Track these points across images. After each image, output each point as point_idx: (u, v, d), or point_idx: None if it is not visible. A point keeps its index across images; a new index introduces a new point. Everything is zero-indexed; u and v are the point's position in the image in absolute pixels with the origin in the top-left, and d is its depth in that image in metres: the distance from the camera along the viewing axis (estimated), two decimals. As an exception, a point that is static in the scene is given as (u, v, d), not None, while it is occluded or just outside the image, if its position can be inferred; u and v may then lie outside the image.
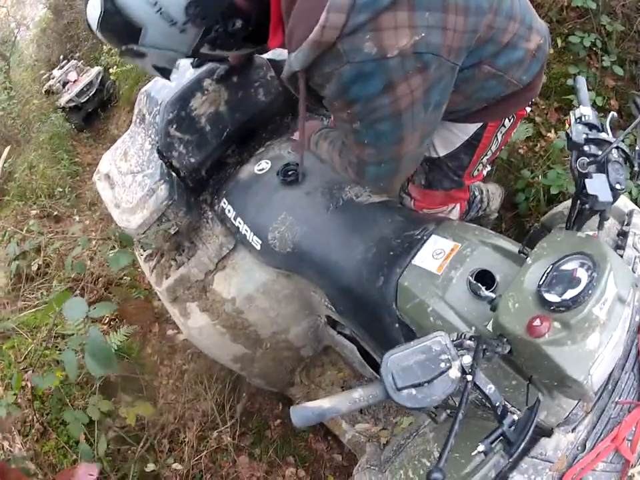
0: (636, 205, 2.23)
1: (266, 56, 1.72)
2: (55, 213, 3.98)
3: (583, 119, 1.16)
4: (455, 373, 0.80)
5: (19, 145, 5.57)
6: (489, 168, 1.61)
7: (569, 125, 1.17)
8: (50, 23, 7.77)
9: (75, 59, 5.88)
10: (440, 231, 1.28)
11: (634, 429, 1.02)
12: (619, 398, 1.04)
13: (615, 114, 1.24)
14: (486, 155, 1.47)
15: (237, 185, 1.73)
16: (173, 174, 1.72)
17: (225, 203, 1.73)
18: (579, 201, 1.09)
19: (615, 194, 1.05)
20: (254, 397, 2.23)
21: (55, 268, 3.08)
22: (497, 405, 0.84)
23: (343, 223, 1.49)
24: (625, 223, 1.32)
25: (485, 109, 1.31)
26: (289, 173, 1.61)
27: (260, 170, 1.70)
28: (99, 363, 1.36)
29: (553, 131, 2.55)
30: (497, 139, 1.44)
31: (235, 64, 1.69)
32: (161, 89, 1.73)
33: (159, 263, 1.92)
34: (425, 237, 1.28)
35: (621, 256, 1.21)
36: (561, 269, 0.94)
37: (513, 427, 0.81)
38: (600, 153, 1.08)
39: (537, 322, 0.88)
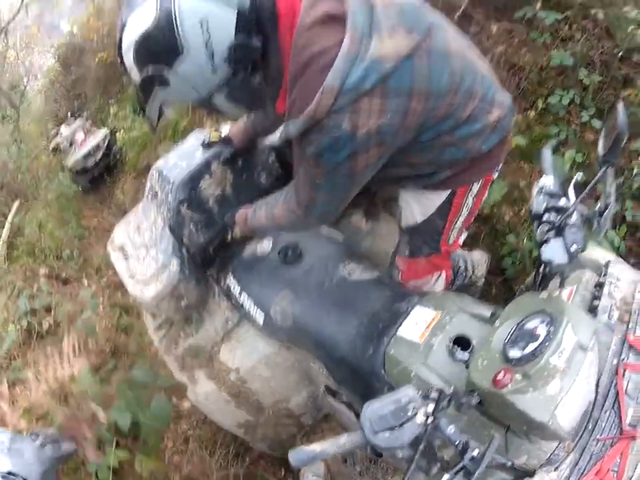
0: (619, 254, 2.37)
1: (268, 142, 1.88)
2: (63, 274, 4.07)
3: (545, 190, 1.29)
4: (420, 418, 0.95)
5: (27, 201, 5.68)
6: (465, 234, 1.73)
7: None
8: (58, 76, 7.84)
9: (82, 118, 5.98)
10: (423, 302, 1.44)
11: (618, 460, 1.07)
12: (600, 435, 1.09)
13: (581, 174, 1.36)
14: (459, 218, 1.59)
15: (241, 263, 1.87)
16: (184, 250, 1.85)
17: (230, 280, 1.87)
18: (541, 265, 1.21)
19: (572, 255, 1.16)
20: (257, 461, 2.29)
21: (65, 329, 3.18)
22: (456, 443, 0.96)
23: (338, 299, 1.63)
24: (602, 274, 1.41)
25: (452, 177, 1.47)
26: (288, 252, 1.76)
27: (262, 250, 1.84)
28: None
29: (537, 194, 2.71)
30: (468, 203, 1.57)
31: (240, 147, 1.83)
32: (173, 168, 1.87)
33: (168, 332, 2.04)
34: (409, 309, 1.43)
35: (597, 306, 1.31)
36: (524, 327, 1.05)
37: (472, 461, 0.93)
38: (556, 217, 1.21)
39: (500, 375, 0.99)
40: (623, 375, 1.19)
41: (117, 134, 5.13)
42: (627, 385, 1.17)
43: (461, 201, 1.55)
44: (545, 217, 1.23)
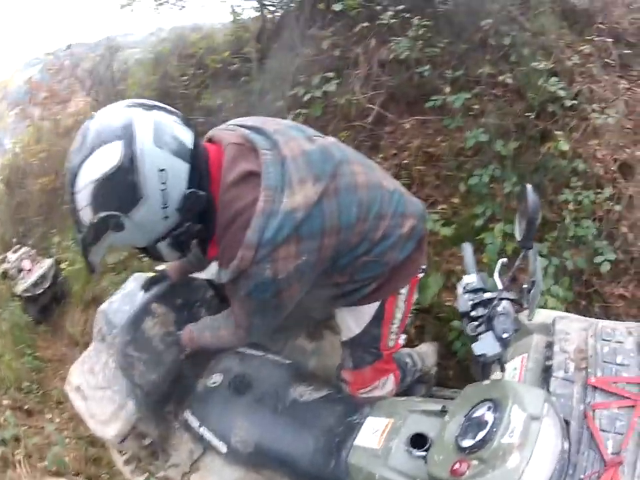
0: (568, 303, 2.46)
1: (203, 276, 1.95)
2: (26, 406, 3.99)
3: (468, 288, 1.35)
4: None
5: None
6: (404, 336, 1.80)
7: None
8: (3, 197, 7.61)
9: (27, 246, 5.94)
10: (374, 412, 1.52)
11: None
12: (584, 474, 1.16)
13: (505, 260, 1.44)
14: (394, 323, 1.67)
15: (196, 398, 1.92)
16: (138, 390, 1.87)
17: (188, 415, 1.90)
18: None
19: (504, 343, 1.21)
20: None
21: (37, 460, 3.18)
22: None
23: (292, 421, 1.70)
24: (551, 333, 1.49)
25: (378, 289, 1.57)
26: (239, 383, 1.83)
27: (213, 383, 1.89)
28: None
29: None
30: (400, 307, 1.65)
31: (175, 280, 1.93)
32: (117, 312, 1.95)
33: (137, 466, 2.04)
34: (362, 420, 1.51)
35: (551, 365, 1.38)
36: (472, 417, 1.11)
37: None
38: (484, 311, 1.26)
39: (457, 465, 1.04)
40: (593, 416, 1.28)
41: (62, 264, 5.09)
42: (600, 422, 1.26)
43: (392, 307, 1.64)
44: (473, 313, 1.28)
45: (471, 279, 1.39)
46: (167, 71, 4.73)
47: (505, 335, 1.21)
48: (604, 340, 1.49)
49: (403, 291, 1.64)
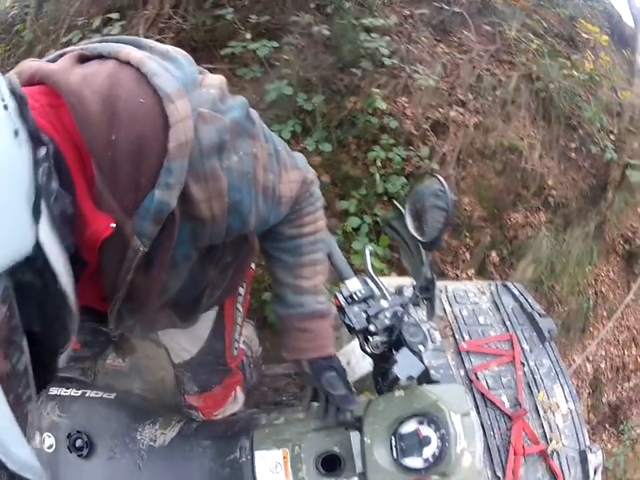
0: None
1: None
2: None
3: (356, 297, 1.12)
4: None
5: None
6: (241, 341, 1.53)
7: (339, 305, 1.12)
8: None
9: None
10: (259, 445, 1.28)
11: (524, 433, 1.34)
12: (493, 432, 1.32)
13: (372, 249, 1.27)
14: (235, 330, 1.39)
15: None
16: None
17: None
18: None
19: (421, 357, 1.06)
20: None
21: None
22: None
23: (162, 473, 1.38)
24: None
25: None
26: (77, 443, 1.39)
27: (49, 447, 1.43)
28: None
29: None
30: (239, 310, 1.37)
31: None
32: None
33: None
34: (248, 457, 1.28)
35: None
36: (403, 435, 1.03)
37: None
38: (387, 322, 1.07)
39: None
40: (478, 378, 1.37)
41: None
42: (487, 383, 1.37)
43: (231, 312, 1.34)
44: (372, 328, 1.08)
45: (353, 285, 1.16)
46: None
47: (421, 348, 1.06)
48: (459, 303, 1.58)
49: (242, 290, 1.34)
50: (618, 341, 3.49)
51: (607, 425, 3.33)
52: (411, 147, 2.57)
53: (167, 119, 0.65)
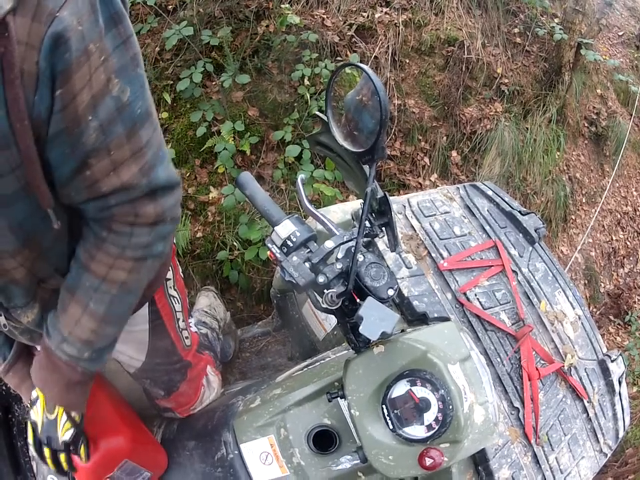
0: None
1: None
2: None
3: (290, 243, 0.90)
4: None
5: None
6: (192, 324, 1.36)
7: (273, 257, 0.92)
8: None
9: None
10: (240, 437, 1.19)
11: (534, 351, 1.19)
12: (499, 358, 1.17)
13: (304, 176, 1.02)
14: (178, 317, 1.20)
15: None
16: None
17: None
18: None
19: (391, 301, 0.95)
20: None
21: None
22: None
23: None
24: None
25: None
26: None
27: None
28: None
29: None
30: (174, 296, 1.17)
31: None
32: None
33: None
34: (235, 452, 1.18)
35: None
36: (395, 400, 0.88)
37: None
38: (338, 268, 0.87)
39: (427, 459, 0.87)
40: (469, 299, 1.22)
41: None
42: (480, 302, 1.21)
43: (165, 301, 1.14)
44: (321, 280, 0.86)
45: (286, 228, 0.92)
46: None
47: (390, 292, 0.86)
48: (428, 216, 1.37)
49: (169, 274, 1.13)
50: (603, 226, 3.33)
51: (612, 317, 3.20)
52: (339, 57, 2.32)
53: None
